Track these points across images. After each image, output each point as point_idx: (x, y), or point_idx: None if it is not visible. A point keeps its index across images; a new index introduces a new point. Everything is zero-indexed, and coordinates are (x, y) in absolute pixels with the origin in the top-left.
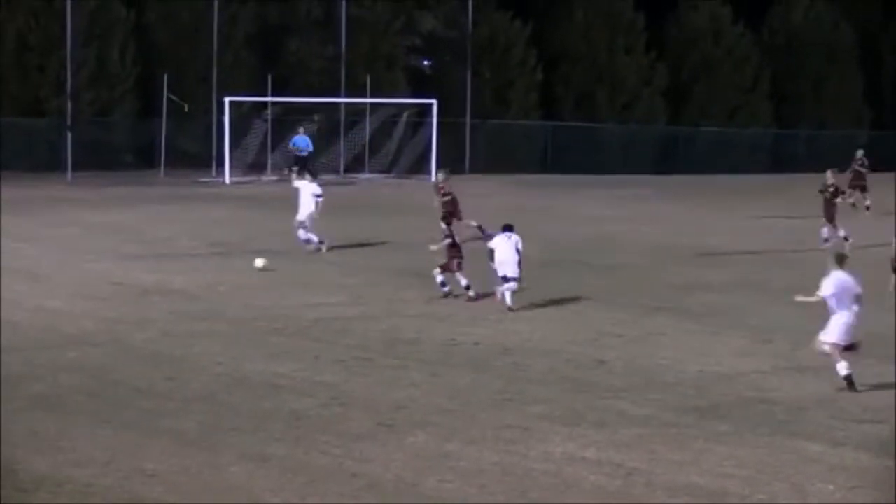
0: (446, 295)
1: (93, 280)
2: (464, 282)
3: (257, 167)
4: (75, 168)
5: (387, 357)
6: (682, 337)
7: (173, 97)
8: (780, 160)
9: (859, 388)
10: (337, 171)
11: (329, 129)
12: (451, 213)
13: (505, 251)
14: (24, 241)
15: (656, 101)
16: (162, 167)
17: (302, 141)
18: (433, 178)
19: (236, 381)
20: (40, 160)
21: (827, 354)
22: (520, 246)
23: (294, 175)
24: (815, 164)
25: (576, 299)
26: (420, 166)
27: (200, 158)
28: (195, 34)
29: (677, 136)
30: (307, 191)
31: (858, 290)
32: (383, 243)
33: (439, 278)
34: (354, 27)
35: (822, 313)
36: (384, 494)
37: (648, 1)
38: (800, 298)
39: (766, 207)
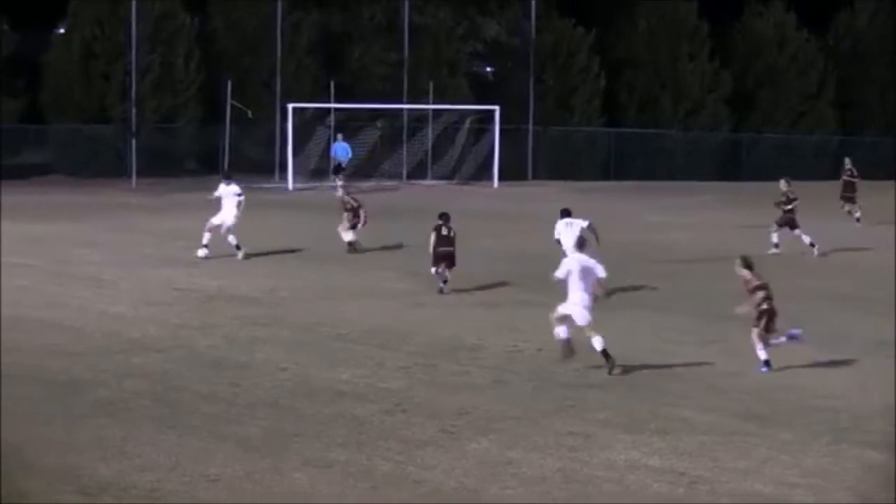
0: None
1: (156, 285)
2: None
3: (320, 173)
4: (139, 174)
5: (449, 363)
6: (745, 344)
7: (237, 104)
8: None
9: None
10: (399, 177)
11: (392, 135)
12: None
13: (568, 238)
14: (88, 246)
15: (720, 108)
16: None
17: (340, 149)
18: (495, 184)
19: (299, 386)
20: (105, 166)
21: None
22: (585, 226)
23: (339, 182)
24: (880, 171)
25: (638, 306)
26: (482, 173)
27: (263, 164)
28: (259, 41)
29: (741, 143)
30: (228, 193)
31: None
32: None
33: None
34: (417, 33)
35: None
36: (446, 501)
37: (713, 8)
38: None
39: (830, 214)
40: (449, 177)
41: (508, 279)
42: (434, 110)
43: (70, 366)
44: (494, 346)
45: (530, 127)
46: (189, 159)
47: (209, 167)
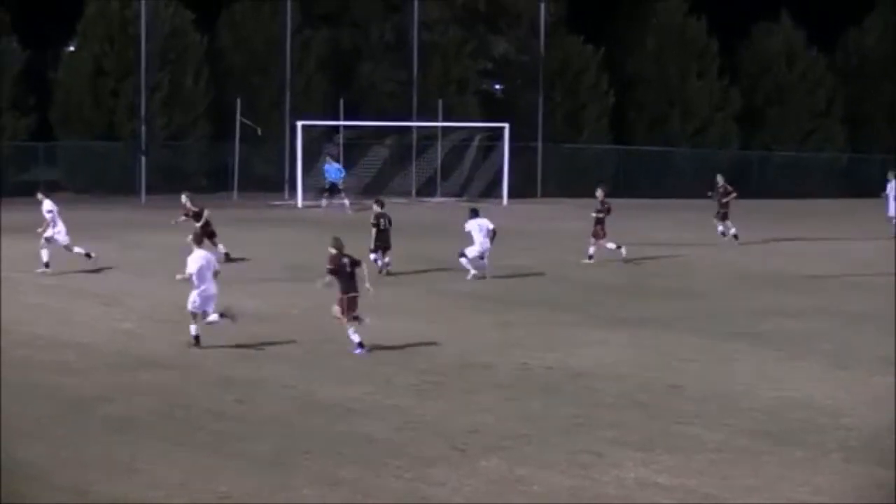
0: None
1: (165, 303)
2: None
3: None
4: (149, 191)
5: (459, 381)
6: (757, 362)
7: (246, 121)
8: (853, 184)
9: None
10: (409, 195)
11: (401, 152)
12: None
13: (477, 234)
14: (97, 263)
15: (729, 126)
16: (235, 190)
17: (332, 170)
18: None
19: (308, 404)
20: (115, 184)
21: None
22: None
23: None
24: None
25: (648, 323)
26: (492, 190)
27: (273, 182)
28: (268, 59)
29: (750, 161)
30: (43, 209)
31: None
32: (453, 268)
33: None
34: (426, 51)
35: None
36: None
37: (722, 25)
38: None
39: (840, 231)
40: (458, 194)
41: (518, 297)
42: (443, 128)
43: (79, 383)
44: (504, 364)
45: (539, 144)
46: (199, 177)
47: (219, 184)
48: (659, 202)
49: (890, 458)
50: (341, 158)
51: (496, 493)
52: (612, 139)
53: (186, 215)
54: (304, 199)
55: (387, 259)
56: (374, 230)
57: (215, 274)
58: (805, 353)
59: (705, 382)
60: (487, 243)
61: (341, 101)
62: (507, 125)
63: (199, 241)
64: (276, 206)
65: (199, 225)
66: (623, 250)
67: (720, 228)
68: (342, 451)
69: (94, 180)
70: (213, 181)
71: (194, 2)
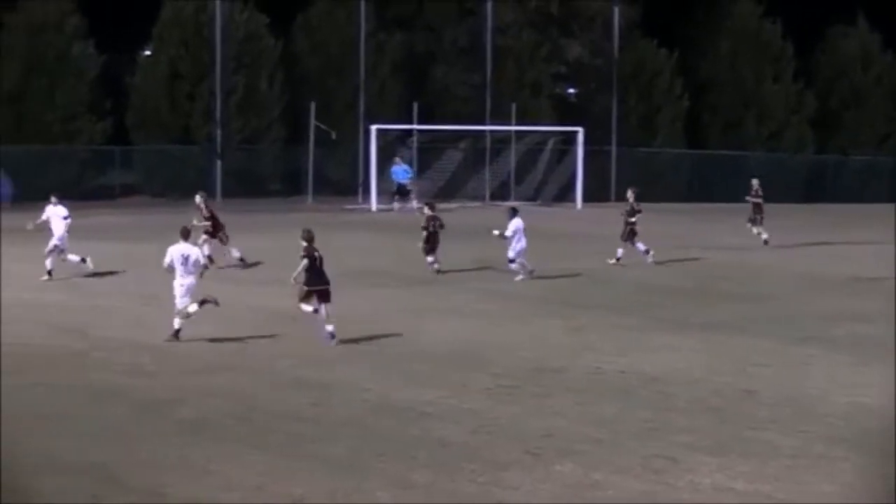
0: None
1: (240, 306)
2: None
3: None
4: (224, 195)
5: (532, 385)
6: (830, 367)
7: (321, 125)
8: None
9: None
10: (482, 199)
11: (474, 156)
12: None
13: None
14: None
15: (804, 130)
16: (309, 194)
17: (400, 171)
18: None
19: (382, 407)
20: (190, 187)
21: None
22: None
23: (396, 204)
24: None
25: (718, 327)
26: (566, 194)
27: (347, 185)
28: (343, 62)
29: (826, 165)
30: (56, 215)
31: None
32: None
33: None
34: (500, 55)
35: None
36: None
37: (797, 29)
38: None
39: None
40: (532, 198)
41: (587, 300)
42: (517, 131)
43: (154, 385)
44: (578, 368)
45: (613, 148)
46: (273, 180)
47: (293, 188)
48: (733, 206)
49: None
50: (415, 162)
51: (570, 498)
52: (685, 143)
53: (206, 218)
54: (378, 202)
55: (434, 258)
56: (424, 233)
57: (197, 266)
58: (877, 358)
59: (779, 387)
60: (524, 243)
61: (415, 105)
62: (580, 129)
63: (185, 236)
64: (350, 209)
65: (207, 225)
66: (651, 256)
67: (755, 231)
68: (416, 455)
69: (170, 184)
70: (287, 185)
71: (269, 5)
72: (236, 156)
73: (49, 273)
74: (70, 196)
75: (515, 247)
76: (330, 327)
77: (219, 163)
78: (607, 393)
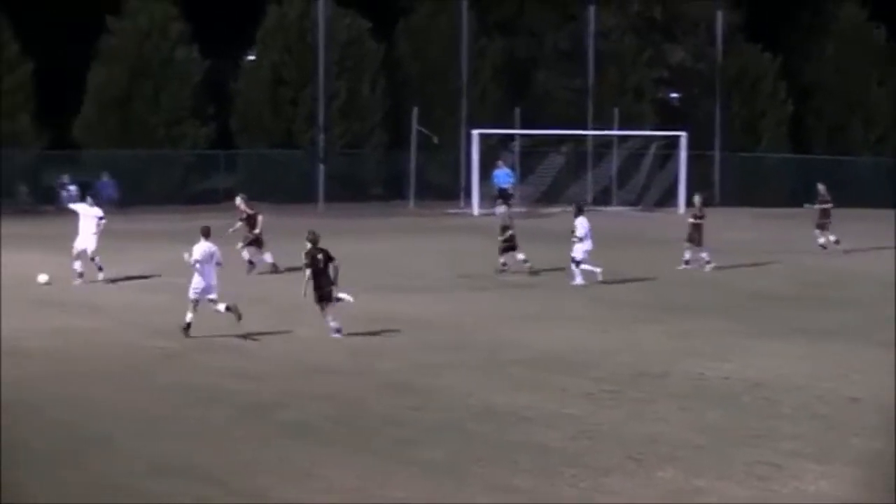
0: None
1: (342, 309)
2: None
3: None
4: (326, 199)
5: (634, 390)
6: None
7: (422, 129)
8: None
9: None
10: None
11: (576, 161)
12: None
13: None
14: (275, 270)
15: None
16: (411, 199)
17: (502, 175)
18: (684, 208)
19: (483, 411)
20: (293, 191)
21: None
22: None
23: (497, 208)
24: None
25: (824, 334)
26: (668, 199)
27: (449, 190)
28: (444, 67)
29: None
30: (90, 215)
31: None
32: (629, 276)
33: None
34: (602, 59)
35: None
36: None
37: None
38: None
39: None
40: (634, 203)
41: (691, 306)
42: (619, 136)
43: (257, 388)
44: (680, 374)
45: (716, 153)
46: (375, 185)
47: (395, 192)
48: (837, 212)
49: None
50: (517, 167)
51: None
52: (790, 148)
53: (241, 219)
54: (480, 207)
55: (521, 256)
56: (509, 233)
57: (217, 264)
58: None
59: (883, 395)
60: (591, 244)
61: (517, 110)
62: (683, 133)
63: (206, 234)
64: (452, 214)
65: (256, 232)
66: (710, 266)
67: (820, 240)
68: (516, 460)
69: (273, 188)
70: (389, 189)
71: (371, 11)
72: (338, 160)
73: (80, 275)
74: (175, 200)
75: (583, 247)
76: (335, 324)
77: (321, 167)
78: (710, 398)
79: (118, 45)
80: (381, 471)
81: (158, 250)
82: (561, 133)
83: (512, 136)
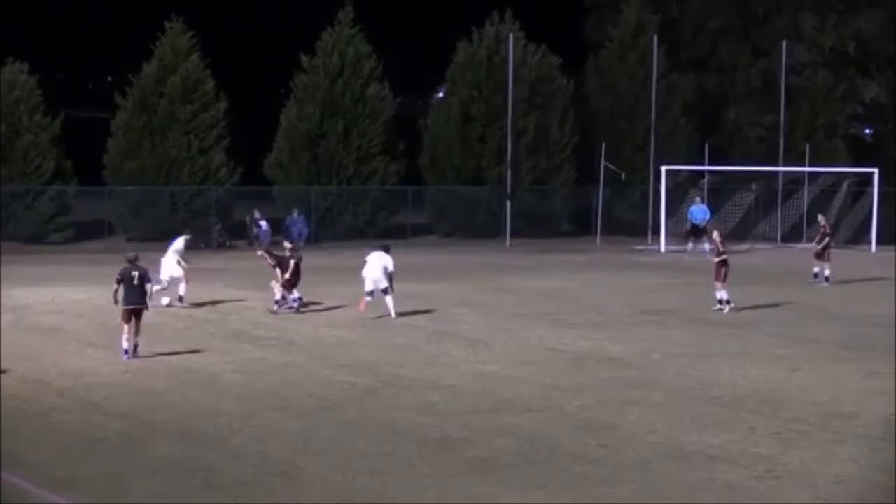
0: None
1: (529, 345)
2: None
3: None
4: (513, 234)
5: (824, 430)
6: None
7: (611, 165)
8: None
9: None
10: (774, 240)
11: (766, 197)
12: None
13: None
14: (463, 305)
15: None
16: (598, 234)
17: (698, 211)
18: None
19: (670, 450)
20: (480, 227)
21: None
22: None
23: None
24: None
25: None
26: (859, 237)
27: (636, 226)
28: (633, 103)
29: None
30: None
31: None
32: (822, 314)
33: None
34: (794, 95)
35: None
36: None
37: None
38: None
39: None
40: None
41: (885, 346)
42: (810, 172)
43: (443, 423)
44: (871, 414)
45: None
46: (562, 220)
47: (582, 228)
48: None
49: None
50: (706, 202)
51: None
52: None
53: (273, 266)
54: (668, 244)
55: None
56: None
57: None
58: None
59: None
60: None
61: (706, 146)
62: (876, 170)
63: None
64: (639, 250)
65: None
66: (826, 283)
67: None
68: (703, 499)
69: (461, 224)
70: (576, 225)
71: (561, 47)
72: (526, 196)
73: (169, 305)
74: (364, 235)
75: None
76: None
77: (508, 203)
78: None
79: (311, 82)
80: None
81: (347, 283)
82: (751, 169)
83: (701, 173)
